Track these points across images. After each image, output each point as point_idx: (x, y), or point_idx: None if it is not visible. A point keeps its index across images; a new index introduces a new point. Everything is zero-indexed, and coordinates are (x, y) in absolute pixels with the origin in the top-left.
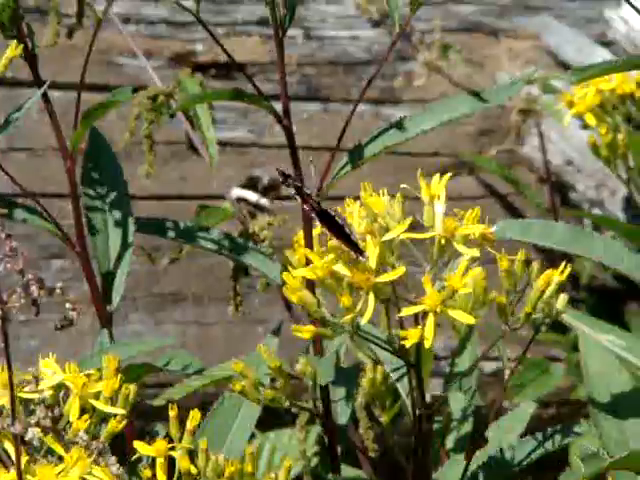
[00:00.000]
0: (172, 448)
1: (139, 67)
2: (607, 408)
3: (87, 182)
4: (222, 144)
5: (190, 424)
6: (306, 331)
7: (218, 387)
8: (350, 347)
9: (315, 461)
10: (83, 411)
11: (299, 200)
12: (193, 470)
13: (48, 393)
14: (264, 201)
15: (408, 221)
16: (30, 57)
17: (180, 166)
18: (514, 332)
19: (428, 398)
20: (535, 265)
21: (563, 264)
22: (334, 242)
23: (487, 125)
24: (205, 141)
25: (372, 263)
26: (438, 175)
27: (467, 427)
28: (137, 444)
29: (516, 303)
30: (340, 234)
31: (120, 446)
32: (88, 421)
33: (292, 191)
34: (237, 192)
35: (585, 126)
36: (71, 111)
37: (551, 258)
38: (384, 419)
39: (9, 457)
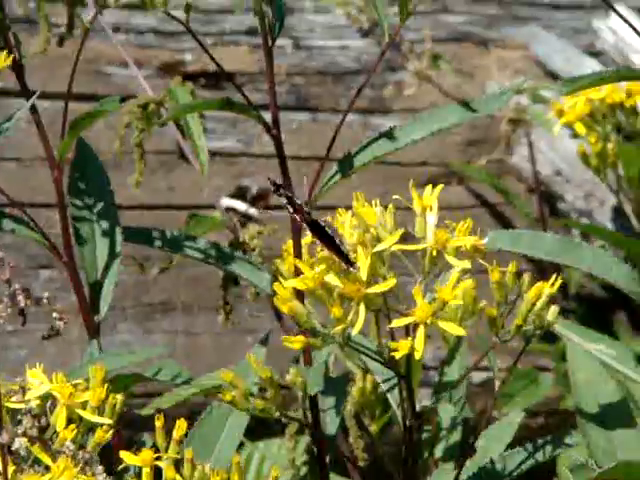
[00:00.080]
0: (159, 458)
1: (127, 76)
2: (595, 418)
3: (74, 192)
4: (211, 154)
5: (176, 434)
6: (296, 342)
7: (207, 397)
8: (339, 356)
9: (304, 470)
10: (70, 421)
11: (290, 210)
12: None
13: (35, 403)
14: (253, 211)
15: (400, 232)
16: (17, 67)
17: (169, 176)
18: (504, 343)
19: (417, 408)
20: (526, 277)
21: (554, 276)
22: (325, 253)
23: (476, 135)
24: (196, 149)
25: (363, 274)
26: (430, 186)
27: (456, 436)
28: (123, 454)
29: (507, 315)
30: (331, 245)
31: (108, 456)
32: (75, 431)
33: (284, 201)
34: (226, 202)
35: (575, 135)
36: (59, 121)
37: (540, 267)
38: (373, 428)
39: None
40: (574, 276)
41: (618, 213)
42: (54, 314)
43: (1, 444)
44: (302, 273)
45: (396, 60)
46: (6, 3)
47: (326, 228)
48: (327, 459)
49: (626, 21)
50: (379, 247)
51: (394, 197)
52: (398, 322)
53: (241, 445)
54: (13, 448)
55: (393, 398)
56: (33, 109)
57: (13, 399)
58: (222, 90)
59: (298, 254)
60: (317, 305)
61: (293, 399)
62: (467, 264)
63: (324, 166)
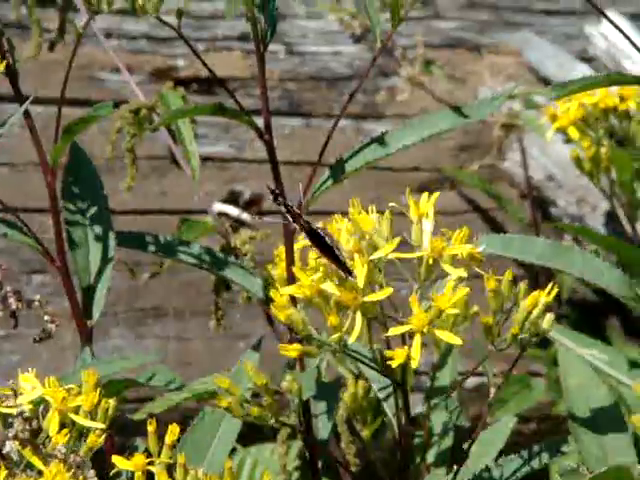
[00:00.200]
0: (151, 463)
1: (120, 82)
2: (586, 423)
3: (67, 196)
4: (203, 159)
5: (169, 438)
6: (293, 350)
7: (199, 402)
8: (331, 361)
9: (296, 475)
10: (63, 426)
11: (290, 219)
12: None
13: (27, 407)
14: (245, 216)
15: (397, 240)
16: (11, 72)
17: (161, 181)
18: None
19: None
20: (522, 285)
21: (550, 285)
22: (323, 260)
23: (469, 140)
24: (187, 154)
25: (360, 282)
26: (426, 194)
27: (448, 442)
28: (115, 458)
29: (503, 323)
30: (329, 254)
31: (100, 461)
32: (67, 435)
33: (283, 209)
34: (218, 207)
35: (568, 140)
36: (52, 126)
37: (532, 272)
38: (365, 433)
39: None
40: (566, 281)
41: (610, 218)
42: (46, 317)
43: None
44: (296, 279)
45: (389, 66)
46: None
47: (325, 237)
48: (319, 464)
49: (617, 27)
50: (376, 255)
51: (390, 205)
52: (395, 330)
53: (233, 450)
54: (4, 451)
55: (389, 405)
56: (26, 114)
57: (5, 403)
58: (215, 95)
59: (290, 260)
60: (307, 308)
61: (285, 404)
62: (463, 272)
63: (316, 171)
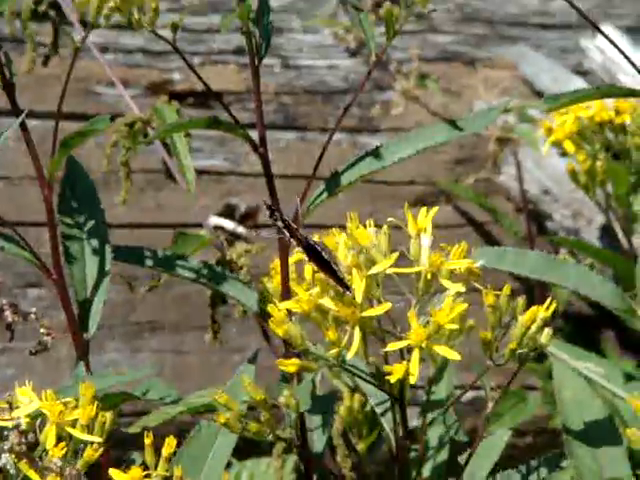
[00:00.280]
0: (148, 476)
1: (117, 96)
2: (581, 436)
3: (64, 210)
4: (199, 172)
5: (165, 451)
6: (291, 365)
7: (195, 415)
8: (326, 374)
9: None
10: (60, 439)
11: (287, 235)
12: None
13: (24, 420)
14: (241, 229)
15: (395, 255)
16: (8, 86)
17: (157, 195)
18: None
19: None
20: (520, 300)
21: (548, 300)
22: (321, 275)
23: (464, 154)
24: (182, 168)
25: (358, 297)
26: (425, 209)
27: (443, 455)
28: (112, 472)
29: (501, 338)
30: (327, 269)
31: (96, 474)
32: (64, 449)
33: (280, 225)
34: (214, 220)
35: (564, 153)
36: (48, 140)
37: (528, 285)
38: (361, 447)
39: None
40: (562, 294)
41: (606, 232)
42: (42, 329)
43: None
44: (292, 293)
45: (384, 79)
46: None
47: (322, 253)
48: (314, 478)
49: (611, 42)
50: (374, 270)
51: (388, 219)
52: (393, 346)
53: (229, 464)
54: (0, 465)
55: (386, 419)
56: (23, 127)
57: (1, 416)
58: (211, 109)
59: (286, 273)
60: (304, 322)
61: (280, 417)
62: (461, 287)
63: (311, 185)
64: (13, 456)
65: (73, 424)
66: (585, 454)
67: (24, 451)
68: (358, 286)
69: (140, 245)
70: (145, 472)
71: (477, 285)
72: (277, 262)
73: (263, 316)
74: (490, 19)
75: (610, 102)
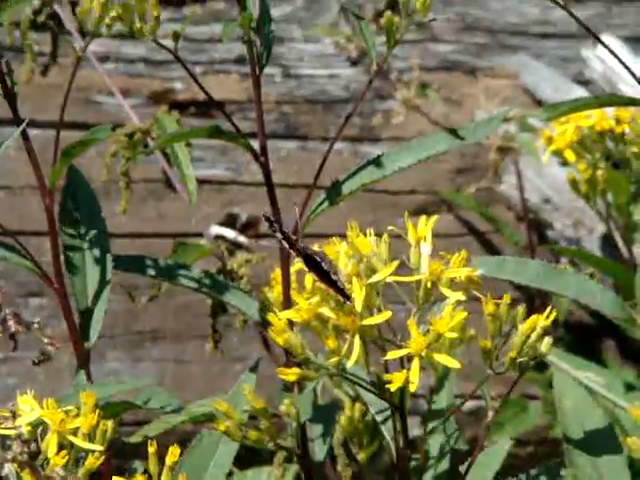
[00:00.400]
0: None
1: (118, 105)
2: (581, 445)
3: (65, 219)
4: (200, 182)
5: (169, 460)
6: (292, 374)
7: (196, 424)
8: (327, 384)
9: None
10: (61, 447)
11: (286, 245)
12: None
13: (26, 429)
14: (242, 239)
15: (395, 264)
16: (9, 95)
17: (158, 204)
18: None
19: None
20: (520, 309)
21: (548, 309)
22: (321, 285)
23: (465, 163)
24: (184, 178)
25: (358, 306)
26: (425, 217)
27: (444, 465)
28: None
29: (501, 347)
30: (327, 279)
31: None
32: (66, 457)
33: (279, 236)
34: (215, 230)
35: (564, 163)
36: (49, 149)
37: (528, 294)
38: (361, 457)
39: None
40: (562, 303)
41: (606, 241)
42: (45, 339)
43: None
44: (293, 302)
45: (385, 89)
46: None
47: (322, 263)
48: None
49: (612, 52)
50: (374, 278)
51: (389, 228)
52: (393, 354)
53: (230, 474)
54: (2, 474)
55: (387, 428)
56: (25, 137)
57: (3, 425)
58: (212, 118)
59: (286, 283)
60: (304, 331)
61: (281, 426)
62: (461, 296)
63: (312, 194)
64: (16, 465)
65: (74, 432)
66: (585, 463)
67: (26, 460)
68: (358, 294)
69: (141, 254)
70: None
71: (477, 294)
72: (278, 272)
73: (264, 325)
74: (491, 28)
75: (611, 111)
